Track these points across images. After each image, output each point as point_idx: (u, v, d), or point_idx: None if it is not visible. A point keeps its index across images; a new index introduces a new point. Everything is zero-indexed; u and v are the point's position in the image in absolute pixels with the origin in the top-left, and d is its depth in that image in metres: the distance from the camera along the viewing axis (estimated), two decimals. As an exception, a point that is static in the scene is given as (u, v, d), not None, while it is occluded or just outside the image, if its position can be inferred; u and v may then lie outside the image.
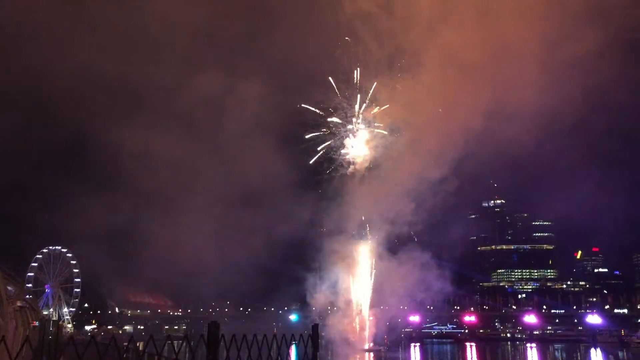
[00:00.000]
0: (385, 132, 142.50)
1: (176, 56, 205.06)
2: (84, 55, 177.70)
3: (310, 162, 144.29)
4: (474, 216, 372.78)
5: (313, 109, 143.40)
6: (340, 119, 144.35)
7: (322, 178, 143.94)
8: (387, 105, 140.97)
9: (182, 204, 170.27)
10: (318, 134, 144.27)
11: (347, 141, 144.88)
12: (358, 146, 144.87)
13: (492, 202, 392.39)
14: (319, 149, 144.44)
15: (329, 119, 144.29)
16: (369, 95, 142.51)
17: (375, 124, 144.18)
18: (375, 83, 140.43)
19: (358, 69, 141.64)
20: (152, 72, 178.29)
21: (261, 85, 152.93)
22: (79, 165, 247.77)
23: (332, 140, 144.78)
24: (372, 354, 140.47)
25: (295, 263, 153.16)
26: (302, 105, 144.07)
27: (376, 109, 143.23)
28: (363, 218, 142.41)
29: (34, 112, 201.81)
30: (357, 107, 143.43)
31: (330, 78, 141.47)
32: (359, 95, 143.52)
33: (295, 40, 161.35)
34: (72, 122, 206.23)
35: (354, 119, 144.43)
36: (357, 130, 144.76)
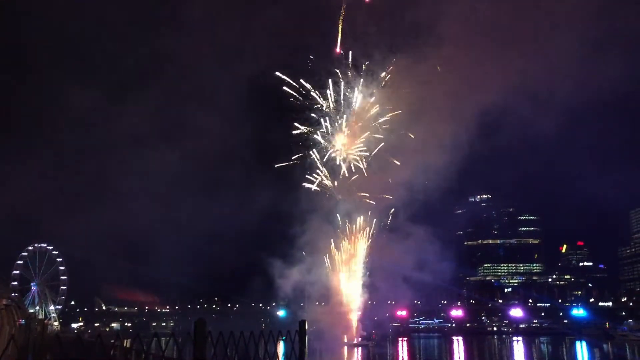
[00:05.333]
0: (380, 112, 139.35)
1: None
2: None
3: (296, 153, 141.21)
4: (460, 211, 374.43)
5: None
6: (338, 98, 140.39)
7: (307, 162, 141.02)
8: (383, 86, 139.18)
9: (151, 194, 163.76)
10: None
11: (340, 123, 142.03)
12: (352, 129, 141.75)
13: (479, 196, 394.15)
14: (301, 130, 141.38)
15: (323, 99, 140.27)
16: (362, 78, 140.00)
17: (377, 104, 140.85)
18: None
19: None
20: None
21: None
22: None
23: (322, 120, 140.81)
24: (360, 349, 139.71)
25: (276, 256, 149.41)
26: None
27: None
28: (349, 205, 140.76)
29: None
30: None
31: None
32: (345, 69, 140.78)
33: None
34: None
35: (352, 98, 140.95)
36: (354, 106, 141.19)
